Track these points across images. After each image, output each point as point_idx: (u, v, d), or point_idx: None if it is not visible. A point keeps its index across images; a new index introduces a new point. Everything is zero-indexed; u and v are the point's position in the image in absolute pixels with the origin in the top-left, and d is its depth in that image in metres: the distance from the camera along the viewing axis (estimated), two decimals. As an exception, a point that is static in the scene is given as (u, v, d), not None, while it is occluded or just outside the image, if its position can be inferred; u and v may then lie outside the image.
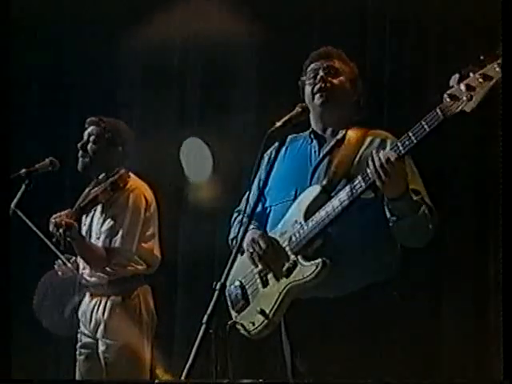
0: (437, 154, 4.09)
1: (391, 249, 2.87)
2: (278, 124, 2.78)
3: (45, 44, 5.54)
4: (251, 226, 2.98)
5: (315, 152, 3.00)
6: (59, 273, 4.05)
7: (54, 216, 3.85)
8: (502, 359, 4.06)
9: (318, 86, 2.98)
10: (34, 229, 3.95)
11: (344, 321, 2.82)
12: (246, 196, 3.12)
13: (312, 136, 3.03)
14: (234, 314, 2.98)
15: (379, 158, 2.64)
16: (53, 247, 3.90)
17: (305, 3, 5.02)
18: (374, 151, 2.69)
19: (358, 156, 2.90)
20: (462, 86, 2.49)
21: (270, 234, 2.96)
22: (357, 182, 2.73)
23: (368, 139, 2.95)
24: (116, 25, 5.48)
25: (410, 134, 2.63)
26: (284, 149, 3.08)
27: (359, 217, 2.80)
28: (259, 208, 3.05)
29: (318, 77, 2.99)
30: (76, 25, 5.56)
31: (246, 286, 2.97)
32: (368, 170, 2.68)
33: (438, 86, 2.56)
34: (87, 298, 3.99)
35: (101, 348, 3.89)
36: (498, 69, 2.45)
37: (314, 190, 2.88)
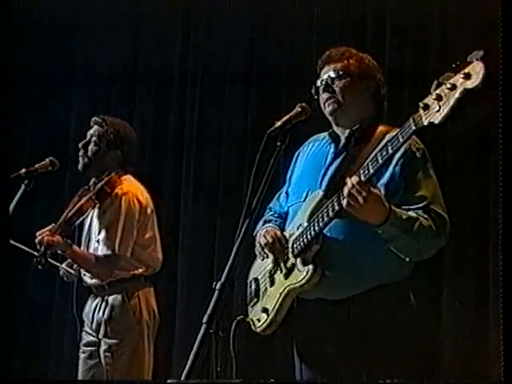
0: (437, 154, 4.09)
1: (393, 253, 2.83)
2: (278, 124, 2.77)
3: (45, 43, 5.54)
4: (268, 225, 3.01)
5: (331, 153, 2.98)
6: (64, 278, 4.08)
7: (39, 233, 3.87)
8: (502, 359, 4.07)
9: (325, 95, 2.96)
10: (25, 248, 3.98)
11: (345, 322, 2.82)
12: (277, 194, 3.13)
13: (330, 137, 3.02)
14: (249, 309, 3.00)
15: (347, 187, 2.62)
16: (52, 260, 3.93)
17: (305, 3, 5.03)
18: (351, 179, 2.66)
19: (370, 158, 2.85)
20: (434, 95, 2.45)
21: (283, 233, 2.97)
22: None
23: (384, 138, 2.88)
24: (116, 24, 5.50)
25: (388, 145, 2.61)
26: (309, 148, 3.09)
27: (357, 221, 2.78)
28: (285, 208, 3.07)
29: (323, 86, 2.96)
30: (76, 25, 5.57)
31: (260, 284, 3.00)
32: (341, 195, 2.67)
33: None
34: (89, 298, 4.01)
35: (102, 347, 3.90)
36: (461, 79, 2.36)
37: (317, 194, 2.88)
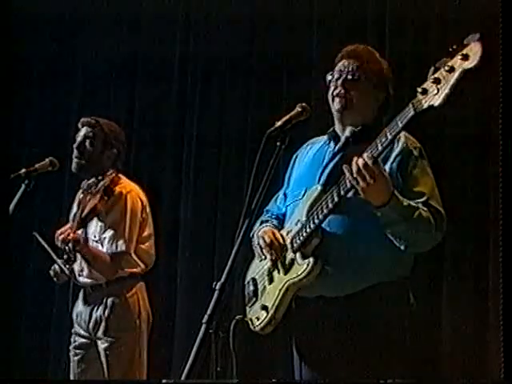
0: (437, 154, 4.10)
1: (395, 249, 2.84)
2: (278, 124, 2.77)
3: (45, 42, 5.55)
4: (265, 224, 3.02)
5: (330, 152, 2.99)
6: (54, 279, 4.06)
7: (59, 232, 3.87)
8: (502, 359, 4.08)
9: (337, 91, 2.95)
10: (40, 239, 3.97)
11: (345, 321, 2.82)
12: (275, 196, 3.13)
13: (331, 136, 3.02)
14: (247, 309, 3.00)
15: (356, 164, 2.63)
16: (54, 256, 3.91)
17: (305, 3, 5.03)
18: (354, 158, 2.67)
19: None
20: (431, 80, 2.45)
21: (281, 232, 2.98)
22: (341, 183, 2.72)
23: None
24: (116, 23, 5.50)
25: (387, 131, 2.62)
26: (307, 150, 3.10)
27: (358, 216, 2.79)
28: (282, 209, 3.08)
29: (340, 81, 2.96)
30: (76, 24, 5.57)
31: (258, 283, 3.00)
32: (346, 176, 2.67)
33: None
34: (82, 298, 4.00)
35: (102, 346, 3.90)
36: (459, 61, 2.37)
37: (315, 190, 2.89)
